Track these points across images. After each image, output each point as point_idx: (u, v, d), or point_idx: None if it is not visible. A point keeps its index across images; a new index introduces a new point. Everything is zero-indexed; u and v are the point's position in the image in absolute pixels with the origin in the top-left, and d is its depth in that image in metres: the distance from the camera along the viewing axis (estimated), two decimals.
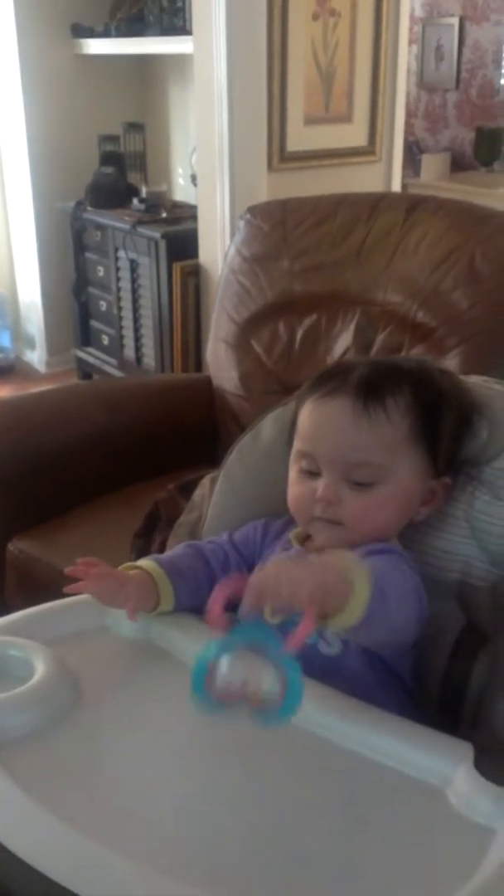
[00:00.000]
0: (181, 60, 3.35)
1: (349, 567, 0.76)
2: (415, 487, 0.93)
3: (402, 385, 0.92)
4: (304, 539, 0.99)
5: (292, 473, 0.97)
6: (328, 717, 0.81)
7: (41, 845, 0.68)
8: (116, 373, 3.59)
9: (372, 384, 0.92)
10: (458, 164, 4.44)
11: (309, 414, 0.95)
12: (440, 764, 0.77)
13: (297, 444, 0.96)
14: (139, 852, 0.67)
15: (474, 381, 1.01)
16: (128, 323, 3.47)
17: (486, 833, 0.71)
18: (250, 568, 1.00)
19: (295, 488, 0.96)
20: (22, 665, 0.86)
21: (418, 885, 0.67)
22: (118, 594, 0.91)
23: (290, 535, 1.00)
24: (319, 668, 0.85)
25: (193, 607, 0.97)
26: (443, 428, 0.93)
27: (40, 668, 0.85)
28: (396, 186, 3.15)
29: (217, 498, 1.13)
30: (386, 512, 0.92)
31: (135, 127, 3.80)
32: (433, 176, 4.28)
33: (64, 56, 3.71)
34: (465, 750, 0.77)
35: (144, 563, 0.96)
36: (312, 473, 0.93)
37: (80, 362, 3.87)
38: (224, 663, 0.73)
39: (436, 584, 0.95)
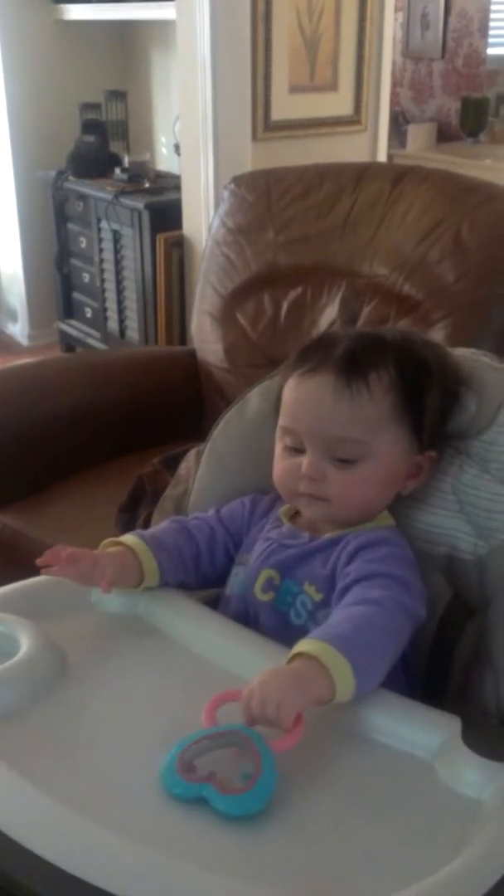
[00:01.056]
0: (164, 27, 3.29)
1: (327, 665, 0.76)
2: (399, 463, 0.93)
3: (385, 359, 0.91)
4: (293, 515, 0.99)
5: (277, 449, 0.96)
6: None
7: (26, 820, 0.68)
8: (100, 345, 3.56)
9: (354, 359, 0.91)
10: (444, 135, 4.40)
11: (292, 390, 0.94)
12: (428, 737, 0.77)
13: (281, 420, 0.96)
14: (126, 827, 0.67)
15: (462, 353, 1.01)
16: (111, 295, 3.43)
17: (473, 804, 0.72)
18: (236, 545, 1.00)
19: (280, 464, 0.96)
20: (7, 641, 0.85)
21: (407, 857, 0.67)
22: (93, 573, 0.91)
23: (279, 511, 0.99)
24: (292, 637, 0.85)
25: (179, 582, 0.97)
26: (427, 403, 0.92)
27: (25, 644, 0.84)
28: (382, 157, 3.12)
29: (203, 471, 1.12)
30: (370, 488, 0.92)
31: (117, 95, 3.75)
32: (419, 146, 4.24)
33: (44, 22, 3.64)
34: (452, 723, 0.78)
35: (127, 538, 0.96)
36: (296, 450, 0.93)
37: (63, 335, 3.84)
38: (198, 748, 0.73)
39: (423, 559, 0.95)
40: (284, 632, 0.90)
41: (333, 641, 0.78)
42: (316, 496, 0.92)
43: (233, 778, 0.70)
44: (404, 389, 0.91)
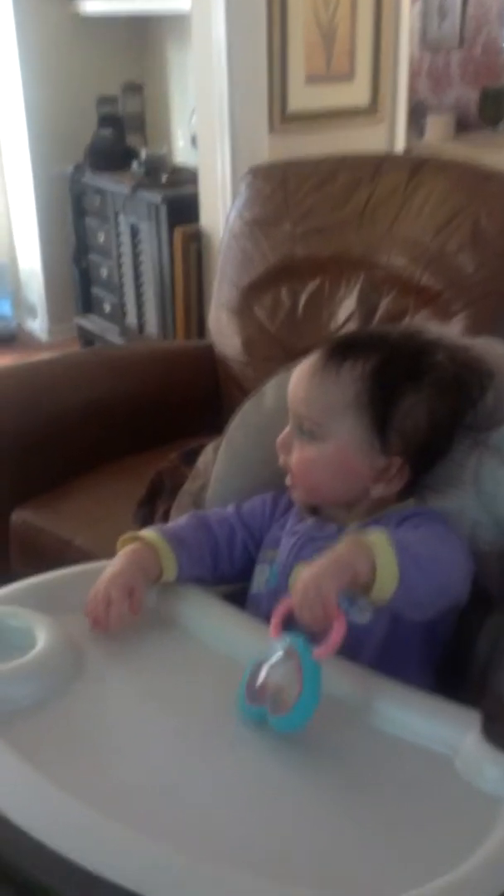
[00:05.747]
0: (180, 19, 3.27)
1: (371, 544, 0.80)
2: (352, 455, 0.93)
3: (370, 354, 0.92)
4: (315, 508, 0.98)
5: None
6: (335, 685, 0.80)
7: (42, 815, 0.67)
8: (118, 340, 3.56)
9: (343, 346, 0.94)
10: (462, 125, 4.36)
11: None
12: (448, 732, 0.76)
13: None
14: (141, 822, 0.67)
15: (481, 344, 1.00)
16: (129, 289, 3.43)
17: (493, 801, 0.71)
18: (256, 543, 1.00)
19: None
20: (23, 635, 0.85)
21: (425, 854, 0.67)
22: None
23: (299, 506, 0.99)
24: (352, 637, 0.85)
25: (196, 577, 0.97)
26: (398, 408, 0.92)
27: (42, 639, 0.85)
28: (400, 147, 3.09)
29: (220, 465, 1.12)
30: (319, 471, 0.94)
31: (133, 88, 3.74)
32: (438, 136, 4.21)
33: (61, 16, 3.63)
34: (472, 718, 0.77)
35: (146, 533, 0.96)
36: None
37: (82, 330, 3.84)
38: (264, 669, 0.77)
39: None
40: None
41: (391, 537, 0.81)
42: (286, 468, 0.96)
43: (284, 696, 0.75)
44: (373, 387, 0.91)
